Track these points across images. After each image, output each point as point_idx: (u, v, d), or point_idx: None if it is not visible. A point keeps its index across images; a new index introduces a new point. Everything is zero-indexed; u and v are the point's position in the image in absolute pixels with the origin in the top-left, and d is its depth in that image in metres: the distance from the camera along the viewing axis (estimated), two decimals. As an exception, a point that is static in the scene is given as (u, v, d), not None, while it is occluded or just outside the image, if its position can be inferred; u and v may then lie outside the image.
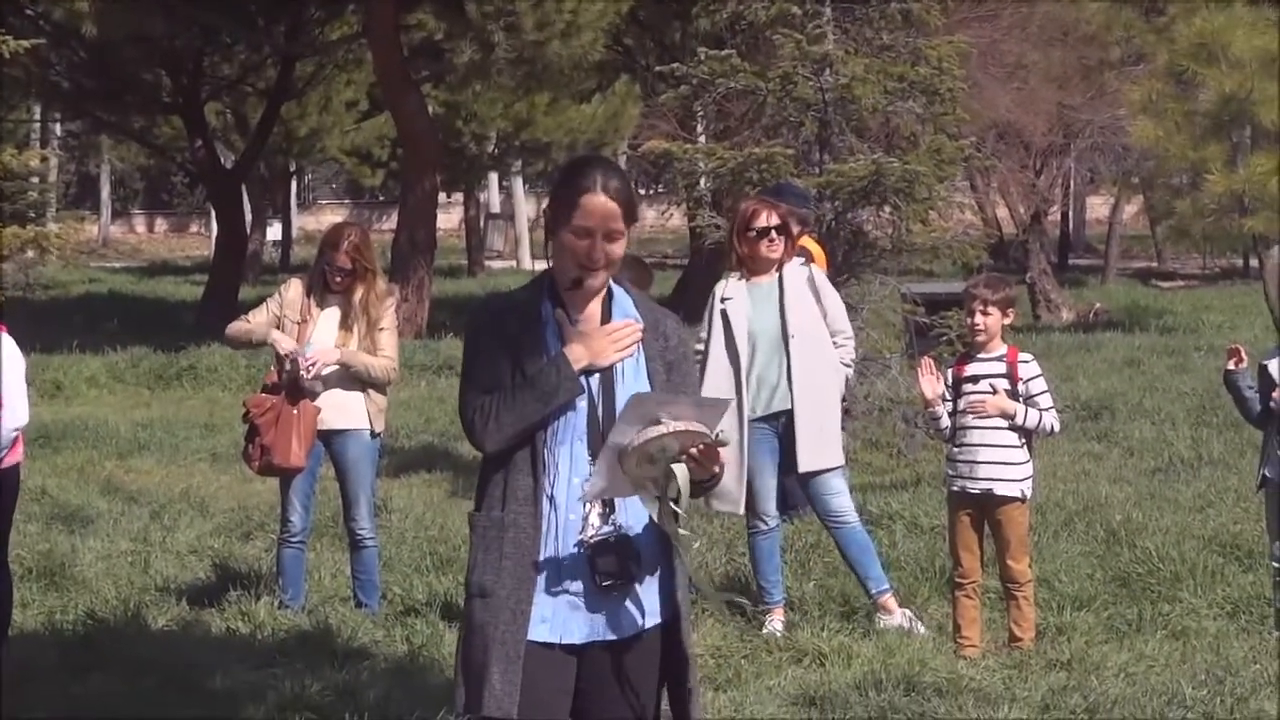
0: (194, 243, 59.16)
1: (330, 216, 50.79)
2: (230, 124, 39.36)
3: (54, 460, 13.95)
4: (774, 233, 8.51)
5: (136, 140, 36.74)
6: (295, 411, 8.56)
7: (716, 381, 8.36)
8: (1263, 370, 8.21)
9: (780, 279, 8.54)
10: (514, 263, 47.88)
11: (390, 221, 43.12)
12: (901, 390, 12.41)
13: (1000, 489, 7.87)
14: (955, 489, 8.00)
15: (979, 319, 7.93)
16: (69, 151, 53.83)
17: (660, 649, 4.54)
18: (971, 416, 7.90)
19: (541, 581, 4.44)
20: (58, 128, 48.02)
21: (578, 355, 4.46)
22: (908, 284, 13.17)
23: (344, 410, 8.72)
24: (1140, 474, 12.36)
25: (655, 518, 4.39)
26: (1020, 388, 7.90)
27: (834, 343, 8.59)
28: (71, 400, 18.76)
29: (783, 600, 8.56)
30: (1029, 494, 7.98)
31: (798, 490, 9.08)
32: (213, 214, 36.85)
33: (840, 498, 8.51)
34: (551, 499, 4.45)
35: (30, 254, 24.81)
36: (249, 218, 38.60)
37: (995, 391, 7.88)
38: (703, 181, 13.61)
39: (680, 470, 4.33)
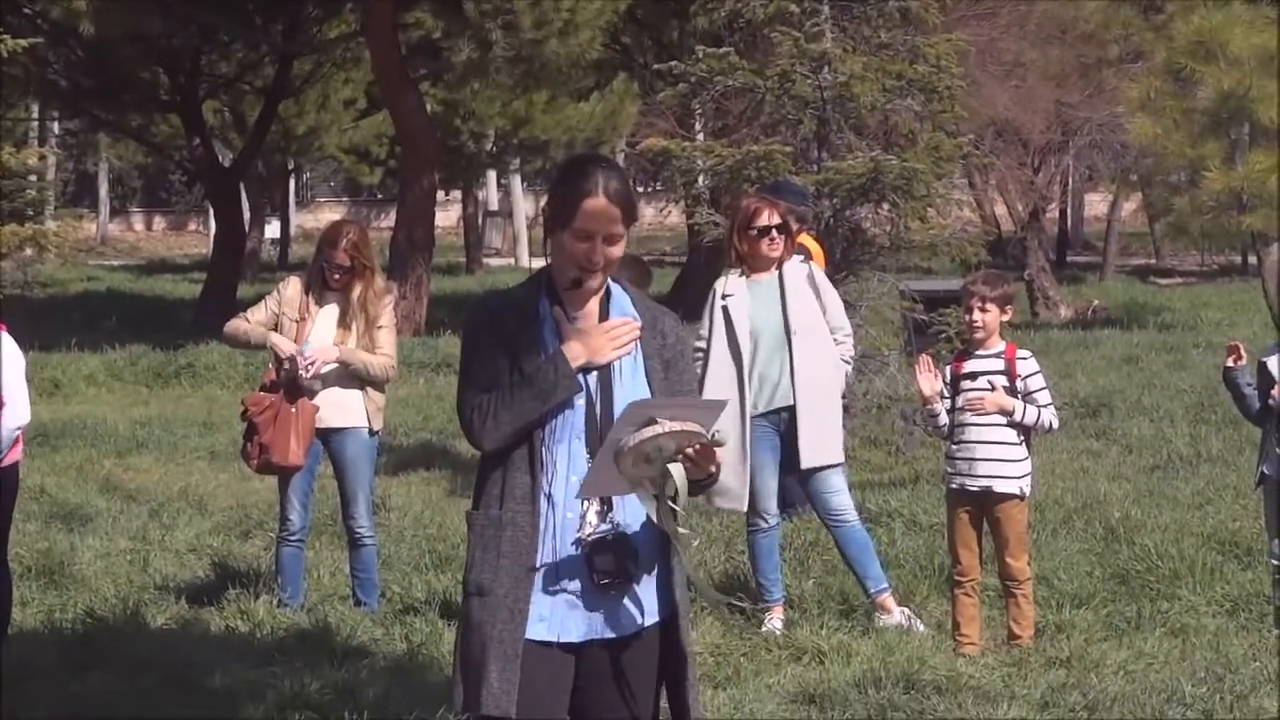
0: (192, 241, 59.20)
1: (328, 214, 50.70)
2: (228, 122, 39.38)
3: (53, 459, 13.93)
4: (775, 231, 8.50)
5: (134, 138, 36.76)
6: (294, 410, 8.55)
7: (719, 378, 8.35)
8: (1261, 367, 8.20)
9: (780, 276, 8.53)
10: (512, 260, 47.92)
11: (388, 219, 43.21)
12: (900, 387, 12.42)
13: (999, 486, 7.86)
14: (954, 486, 7.99)
15: (977, 316, 7.92)
16: (67, 150, 53.83)
17: (659, 647, 4.53)
18: (970, 414, 7.89)
19: (539, 580, 4.43)
20: (56, 126, 48.07)
21: (576, 353, 4.45)
22: (906, 281, 13.18)
23: (342, 408, 8.71)
24: (1139, 471, 12.35)
25: (653, 516, 4.39)
26: (1018, 384, 7.90)
27: (833, 340, 8.60)
28: (70, 398, 18.73)
29: (782, 598, 8.55)
30: (1028, 491, 7.98)
31: (796, 488, 9.07)
32: (211, 212, 36.90)
33: (840, 496, 8.50)
34: (549, 497, 4.44)
35: (29, 252, 24.84)
36: (247, 216, 38.65)
37: (994, 388, 7.87)
38: (701, 179, 13.60)
39: (677, 470, 4.32)
